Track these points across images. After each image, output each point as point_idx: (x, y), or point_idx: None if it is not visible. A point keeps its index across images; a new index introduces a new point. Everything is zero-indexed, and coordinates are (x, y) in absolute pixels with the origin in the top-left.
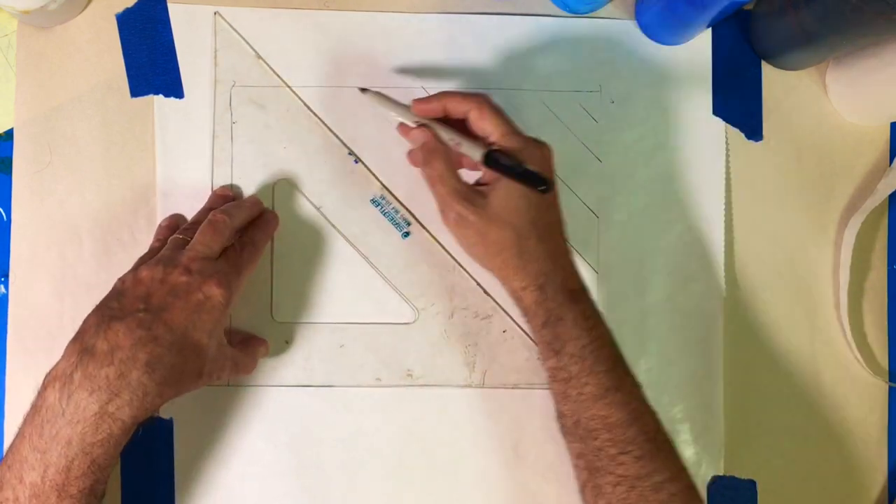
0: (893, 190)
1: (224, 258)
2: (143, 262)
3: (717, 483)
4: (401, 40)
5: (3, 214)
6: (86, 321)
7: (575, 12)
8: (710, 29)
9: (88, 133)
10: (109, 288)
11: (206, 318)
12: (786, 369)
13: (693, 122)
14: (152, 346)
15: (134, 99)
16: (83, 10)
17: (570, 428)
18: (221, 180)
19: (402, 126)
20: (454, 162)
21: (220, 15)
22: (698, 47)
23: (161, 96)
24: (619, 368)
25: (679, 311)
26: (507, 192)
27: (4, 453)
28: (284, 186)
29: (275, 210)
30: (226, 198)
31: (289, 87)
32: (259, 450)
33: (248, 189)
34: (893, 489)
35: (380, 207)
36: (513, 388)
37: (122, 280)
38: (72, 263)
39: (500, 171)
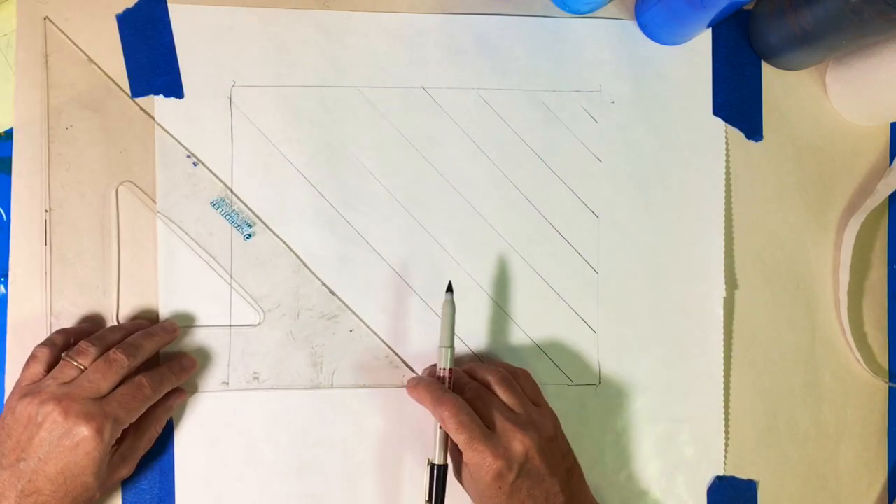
0: (893, 190)
1: (115, 396)
2: (23, 387)
3: (717, 483)
4: (401, 40)
5: (3, 214)
6: None
7: (575, 12)
8: (710, 29)
9: (88, 133)
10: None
11: (83, 460)
12: (786, 369)
13: (693, 122)
14: (36, 497)
15: (134, 99)
16: (83, 10)
17: None
18: (219, 179)
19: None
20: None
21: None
22: (698, 47)
23: (161, 96)
24: None
25: (679, 311)
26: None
27: None
28: (125, 190)
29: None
30: (139, 325)
31: (286, 87)
32: (259, 450)
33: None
34: (893, 489)
35: (220, 209)
36: (361, 387)
37: (4, 411)
38: (72, 263)
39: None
